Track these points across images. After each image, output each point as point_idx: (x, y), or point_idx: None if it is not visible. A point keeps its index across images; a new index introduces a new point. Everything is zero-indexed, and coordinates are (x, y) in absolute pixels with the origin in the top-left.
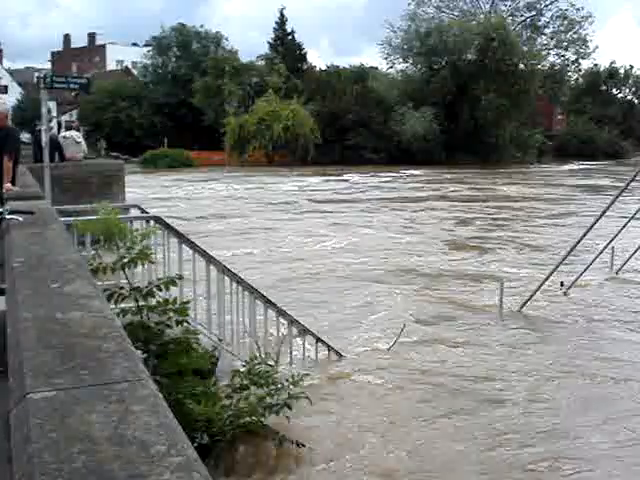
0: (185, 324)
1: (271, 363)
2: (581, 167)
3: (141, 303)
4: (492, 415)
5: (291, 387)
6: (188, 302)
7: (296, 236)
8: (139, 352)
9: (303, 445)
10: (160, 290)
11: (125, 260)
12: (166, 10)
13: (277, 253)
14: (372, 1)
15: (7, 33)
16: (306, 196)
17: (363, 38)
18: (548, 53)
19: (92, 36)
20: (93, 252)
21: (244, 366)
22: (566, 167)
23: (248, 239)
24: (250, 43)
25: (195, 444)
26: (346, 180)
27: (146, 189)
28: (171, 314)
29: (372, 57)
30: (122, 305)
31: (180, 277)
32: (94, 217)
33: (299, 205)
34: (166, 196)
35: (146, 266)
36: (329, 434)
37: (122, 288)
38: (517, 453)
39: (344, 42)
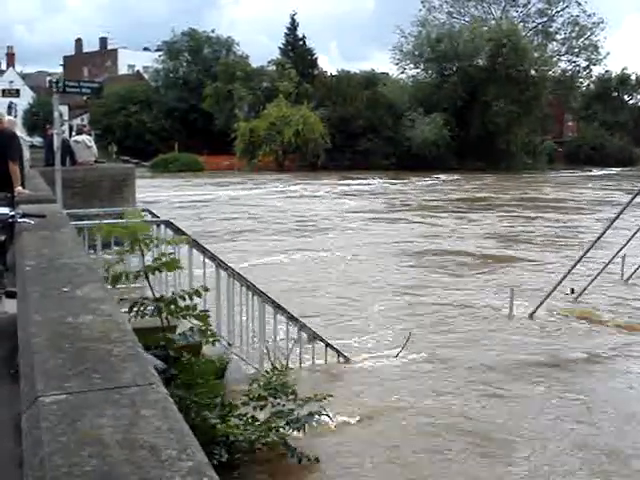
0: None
1: (287, 375)
2: (602, 173)
3: (163, 308)
4: (506, 425)
5: (312, 403)
6: (207, 310)
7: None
8: (159, 362)
9: (317, 460)
10: (184, 300)
11: (150, 268)
12: (174, 15)
13: None
14: (380, 7)
15: (17, 38)
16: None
17: (371, 44)
18: (559, 59)
19: (104, 41)
20: (111, 257)
21: (263, 375)
22: (587, 173)
23: None
24: (258, 47)
25: (215, 461)
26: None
27: None
28: (194, 320)
29: (381, 63)
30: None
31: (206, 289)
32: (121, 221)
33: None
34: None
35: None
36: (340, 446)
37: (146, 298)
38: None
39: (352, 48)
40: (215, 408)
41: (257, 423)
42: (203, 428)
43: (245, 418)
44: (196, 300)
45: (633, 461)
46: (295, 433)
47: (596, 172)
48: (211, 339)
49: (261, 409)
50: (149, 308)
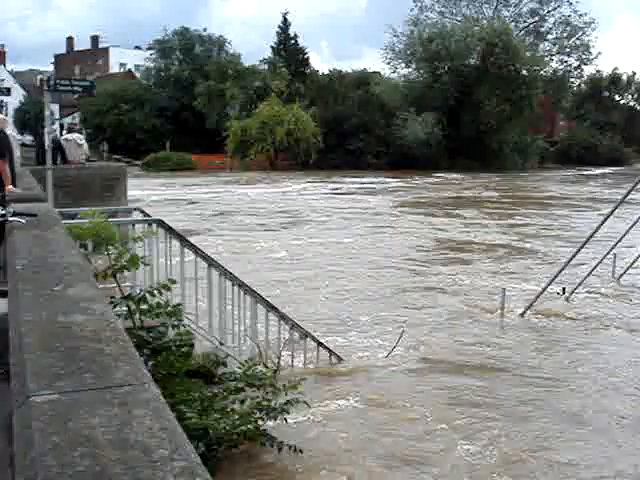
0: (181, 327)
1: (268, 365)
2: (598, 172)
3: (133, 308)
4: (493, 422)
5: (289, 391)
6: (180, 304)
7: None
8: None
9: (301, 451)
10: (153, 295)
11: (117, 266)
12: (166, 14)
13: None
14: (371, 6)
15: (7, 35)
16: None
17: (362, 43)
18: (551, 59)
19: (95, 39)
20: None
21: (240, 368)
22: (581, 172)
23: None
24: (249, 46)
25: None
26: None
27: None
28: (165, 317)
29: (371, 61)
30: (117, 309)
31: (173, 282)
32: (84, 221)
33: None
34: None
35: (147, 269)
36: (328, 440)
37: (113, 297)
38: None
39: (343, 46)
40: (194, 403)
41: (235, 416)
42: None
43: (224, 411)
44: (189, 299)
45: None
46: (282, 427)
47: (594, 171)
48: (185, 337)
49: (242, 403)
50: (123, 309)
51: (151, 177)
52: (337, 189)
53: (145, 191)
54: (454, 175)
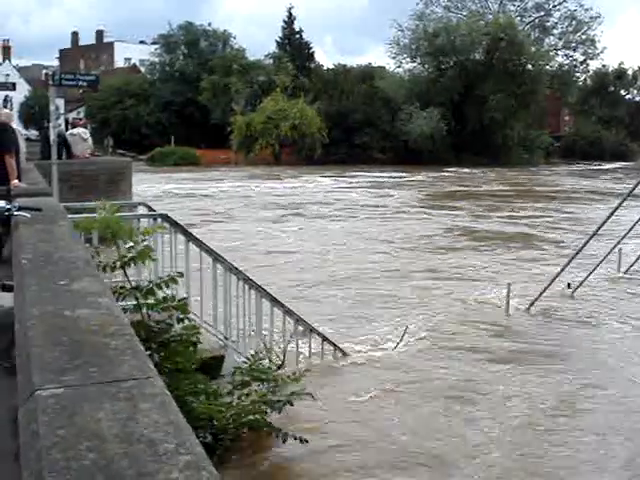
0: (186, 321)
1: (273, 359)
2: (607, 167)
3: (141, 301)
4: (495, 414)
5: (293, 383)
6: (186, 298)
7: None
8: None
9: (306, 441)
10: (161, 288)
11: (126, 258)
12: (169, 8)
13: None
14: (375, 0)
15: (11, 30)
16: None
17: (365, 37)
18: (556, 54)
19: (100, 34)
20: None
21: (246, 363)
22: (589, 167)
23: None
24: (253, 40)
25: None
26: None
27: None
28: (172, 311)
29: (375, 56)
30: (122, 303)
31: (181, 275)
32: (93, 215)
33: None
34: None
35: (152, 264)
36: (333, 431)
37: (122, 287)
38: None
39: (347, 41)
40: (200, 395)
41: (241, 406)
42: (185, 412)
43: (230, 404)
44: (194, 294)
45: None
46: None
47: (604, 166)
48: (191, 332)
49: (247, 396)
50: (129, 303)
51: (157, 172)
52: (356, 183)
53: (149, 184)
54: (465, 170)
